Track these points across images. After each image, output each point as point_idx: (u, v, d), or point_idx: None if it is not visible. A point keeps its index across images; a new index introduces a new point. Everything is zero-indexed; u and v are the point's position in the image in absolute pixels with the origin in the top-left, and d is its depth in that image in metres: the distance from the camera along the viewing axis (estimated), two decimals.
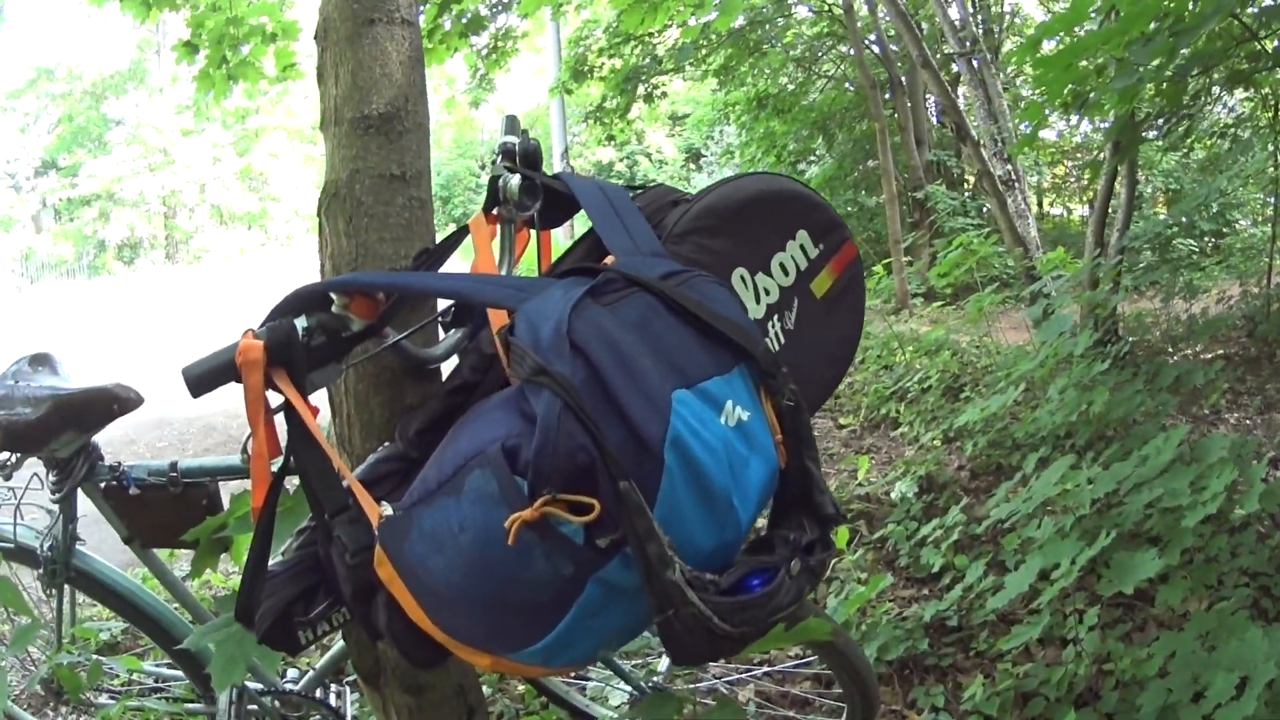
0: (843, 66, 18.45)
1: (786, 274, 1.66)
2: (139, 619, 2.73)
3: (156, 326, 17.02)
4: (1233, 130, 9.62)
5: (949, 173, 17.17)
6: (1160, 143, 8.74)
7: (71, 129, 43.60)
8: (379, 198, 1.76)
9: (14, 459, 2.53)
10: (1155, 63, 4.12)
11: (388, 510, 1.25)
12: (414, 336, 1.71)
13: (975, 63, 10.20)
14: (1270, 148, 8.18)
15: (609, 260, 1.42)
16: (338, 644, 2.66)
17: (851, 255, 1.74)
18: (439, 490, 1.19)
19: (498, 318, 1.40)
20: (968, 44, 10.51)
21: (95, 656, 2.87)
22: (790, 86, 18.21)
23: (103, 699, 3.06)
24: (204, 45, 6.48)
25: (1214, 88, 6.23)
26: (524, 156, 1.73)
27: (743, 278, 1.61)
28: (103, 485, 2.55)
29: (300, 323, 1.42)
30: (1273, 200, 8.73)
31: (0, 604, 2.57)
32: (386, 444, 1.57)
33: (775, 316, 1.65)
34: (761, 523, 1.40)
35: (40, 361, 2.63)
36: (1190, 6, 4.12)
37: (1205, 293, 8.43)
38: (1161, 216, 12.19)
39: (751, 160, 18.68)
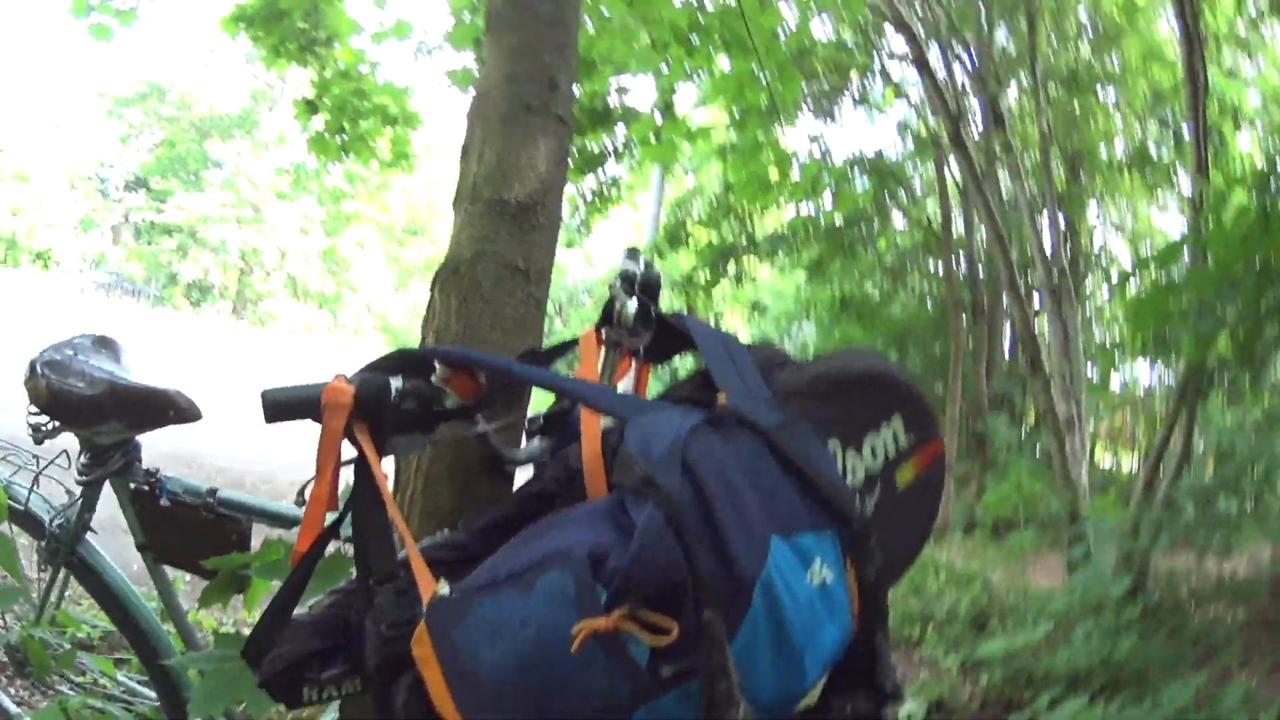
0: (929, 283, 18.57)
1: (875, 457, 1.58)
2: (128, 625, 2.66)
3: (211, 374, 17.04)
4: None
5: (1012, 406, 17.08)
6: (1222, 393, 8.69)
7: (171, 155, 44.70)
8: (498, 286, 1.74)
9: (51, 426, 2.49)
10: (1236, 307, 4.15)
11: (445, 589, 1.17)
12: (500, 433, 1.68)
13: (1058, 295, 10.23)
14: None
15: (721, 399, 1.39)
16: (328, 714, 2.58)
17: (938, 452, 1.67)
18: (508, 580, 1.12)
19: (590, 434, 1.37)
20: (1055, 275, 10.54)
21: (71, 645, 2.85)
22: (876, 294, 18.22)
23: (65, 688, 3.02)
24: (325, 110, 6.55)
25: None
26: (644, 285, 1.72)
27: (835, 451, 1.54)
28: (133, 486, 2.52)
29: (395, 382, 1.39)
30: None
31: None
32: (447, 530, 1.51)
33: (856, 499, 1.60)
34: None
35: (105, 344, 2.62)
36: None
37: (1239, 552, 8.37)
38: (1210, 473, 12.04)
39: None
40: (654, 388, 1.72)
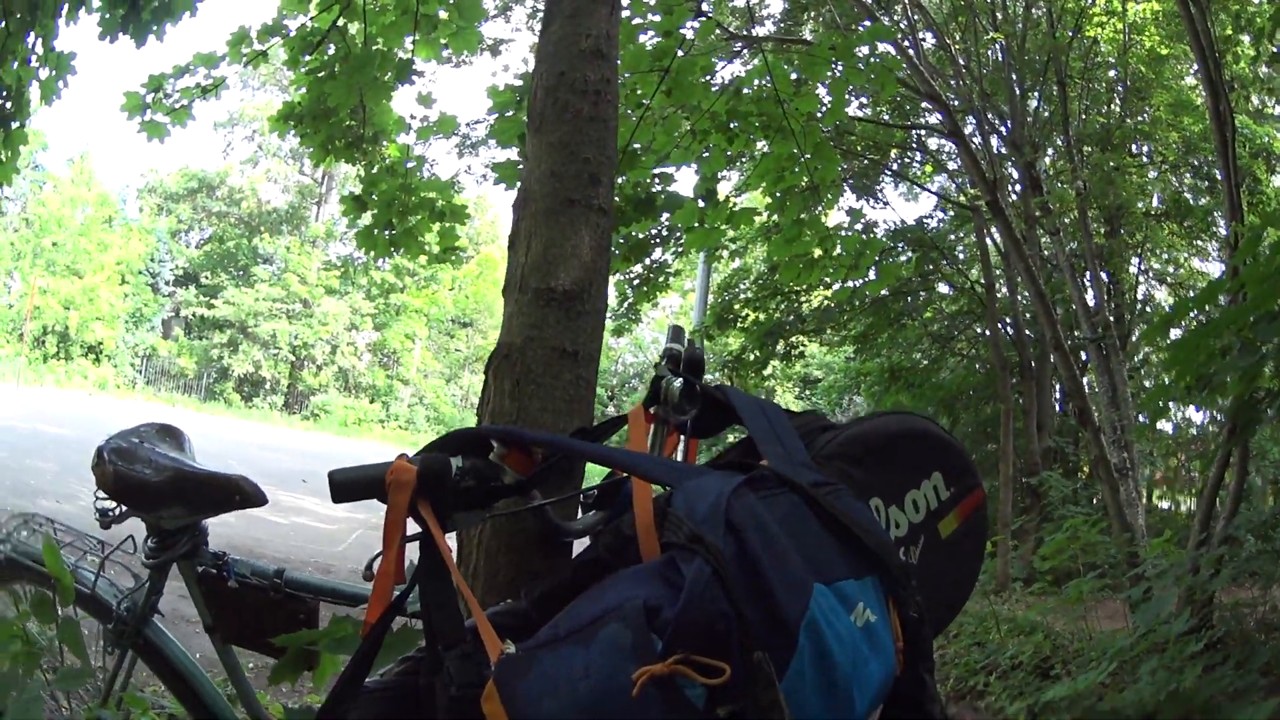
0: (976, 347, 18.54)
1: (917, 511, 1.69)
2: (197, 706, 2.67)
3: (267, 467, 17.00)
4: None
5: (1065, 460, 16.88)
6: (1273, 427, 8.63)
7: (220, 250, 45.38)
8: (548, 369, 1.84)
9: (119, 511, 2.53)
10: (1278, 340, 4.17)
11: (510, 648, 1.24)
12: (555, 507, 1.76)
13: (1104, 349, 10.22)
14: None
15: (763, 463, 1.47)
16: None
17: (979, 501, 1.77)
18: (568, 637, 1.21)
19: (642, 503, 1.43)
20: (1099, 329, 10.56)
21: None
22: (924, 362, 18.23)
23: None
24: (372, 206, 6.63)
25: None
26: (688, 363, 1.83)
27: (877, 508, 1.64)
28: (200, 569, 2.55)
29: (455, 461, 1.47)
30: None
31: (59, 642, 2.55)
32: (509, 600, 1.60)
33: (901, 550, 1.67)
34: None
35: (169, 433, 2.68)
36: None
37: None
38: (1270, 505, 11.88)
39: None
40: (702, 461, 1.79)
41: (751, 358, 16.37)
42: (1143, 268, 17.32)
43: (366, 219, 6.66)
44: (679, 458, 1.86)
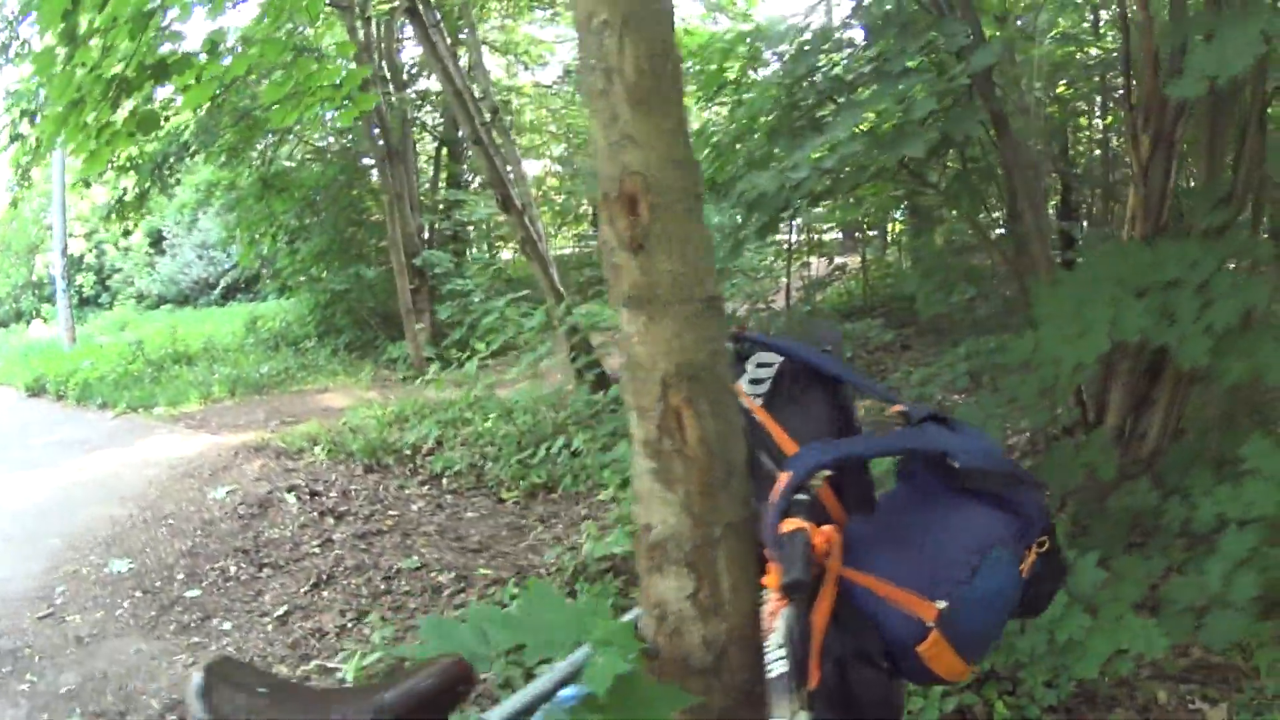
0: (336, 139, 18.03)
1: None
2: None
3: None
4: None
5: (440, 234, 17.18)
6: None
7: None
8: (727, 379, 1.83)
9: None
10: None
11: (943, 604, 1.67)
12: None
13: (493, 134, 10.43)
14: None
15: (898, 408, 1.97)
16: None
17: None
18: (973, 575, 1.69)
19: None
20: (490, 115, 10.75)
21: None
22: (290, 164, 17.51)
23: None
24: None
25: None
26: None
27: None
28: None
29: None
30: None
31: None
32: None
33: None
34: None
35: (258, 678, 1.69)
36: None
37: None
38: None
39: (251, 242, 17.50)
40: None
41: (132, 197, 15.42)
42: (481, 39, 17.69)
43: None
44: None
